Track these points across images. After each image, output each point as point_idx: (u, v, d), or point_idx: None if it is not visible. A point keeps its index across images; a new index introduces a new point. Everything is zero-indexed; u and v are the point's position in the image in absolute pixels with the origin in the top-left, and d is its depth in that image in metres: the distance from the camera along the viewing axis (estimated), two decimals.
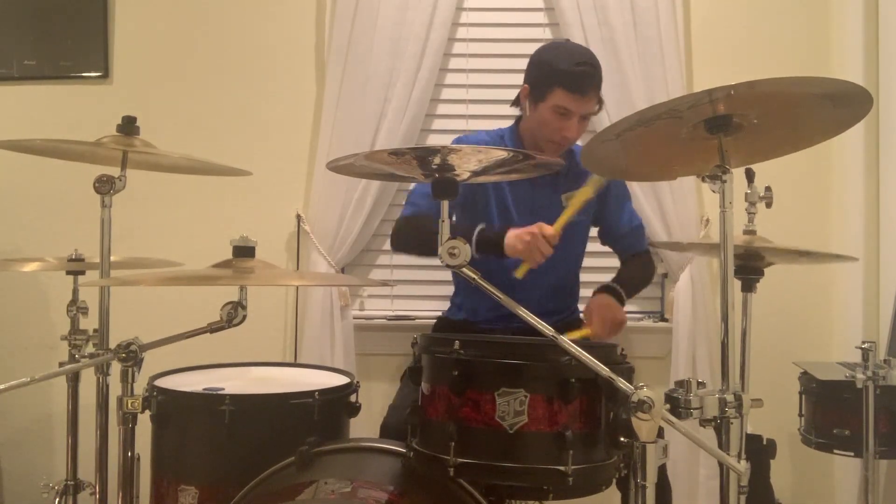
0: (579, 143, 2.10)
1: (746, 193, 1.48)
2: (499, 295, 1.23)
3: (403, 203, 2.71)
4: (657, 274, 2.70)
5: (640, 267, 2.24)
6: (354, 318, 2.67)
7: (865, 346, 1.83)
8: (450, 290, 2.32)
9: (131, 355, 1.49)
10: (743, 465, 1.22)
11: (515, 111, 2.16)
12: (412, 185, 2.17)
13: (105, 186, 1.62)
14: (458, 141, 2.16)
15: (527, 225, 2.02)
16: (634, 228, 2.26)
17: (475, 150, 1.26)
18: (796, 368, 2.20)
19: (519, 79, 2.09)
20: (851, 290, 2.53)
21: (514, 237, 1.84)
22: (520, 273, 1.85)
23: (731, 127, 1.25)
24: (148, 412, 1.56)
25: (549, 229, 1.82)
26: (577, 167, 2.10)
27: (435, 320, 2.34)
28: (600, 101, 2.02)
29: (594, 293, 2.09)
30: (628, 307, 2.26)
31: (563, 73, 1.93)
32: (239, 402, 1.54)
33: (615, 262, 2.31)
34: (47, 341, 2.67)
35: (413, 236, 2.06)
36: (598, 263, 2.44)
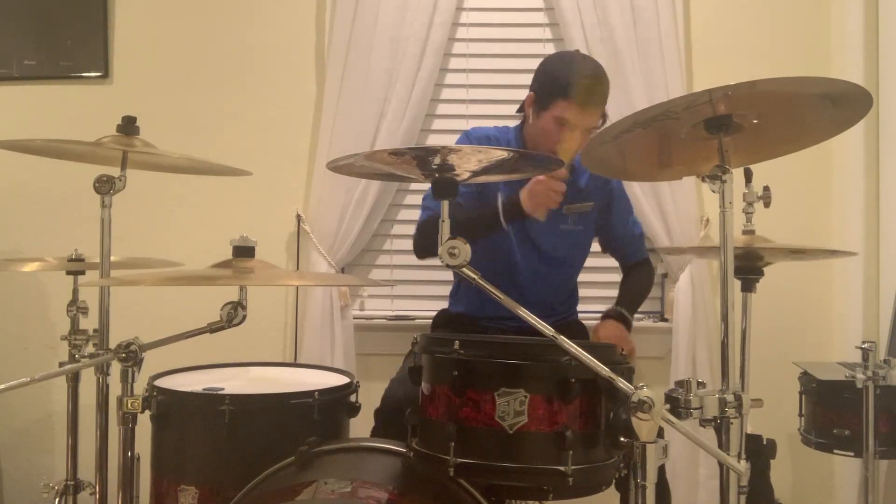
0: None
1: (744, 193, 1.48)
2: (499, 295, 1.24)
3: (404, 203, 2.75)
4: (657, 274, 2.71)
5: (641, 280, 2.26)
6: (354, 318, 2.67)
7: (865, 346, 1.83)
8: (449, 289, 2.32)
9: (131, 355, 1.49)
10: (743, 465, 1.22)
11: (519, 114, 2.15)
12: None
13: (105, 186, 1.62)
14: (465, 135, 2.15)
15: (533, 225, 2.05)
16: (636, 237, 2.27)
17: (475, 150, 1.26)
18: (796, 368, 2.20)
19: (518, 79, 2.10)
20: (851, 289, 2.53)
21: (527, 195, 1.91)
22: (542, 216, 1.92)
23: (731, 127, 1.25)
24: (148, 412, 1.56)
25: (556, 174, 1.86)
26: (578, 177, 2.11)
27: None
28: (604, 116, 2.02)
29: (602, 318, 2.09)
30: None
31: (567, 84, 1.93)
32: (239, 402, 1.53)
33: (614, 261, 2.32)
34: (47, 341, 2.68)
35: (432, 241, 2.06)
36: (599, 263, 2.43)
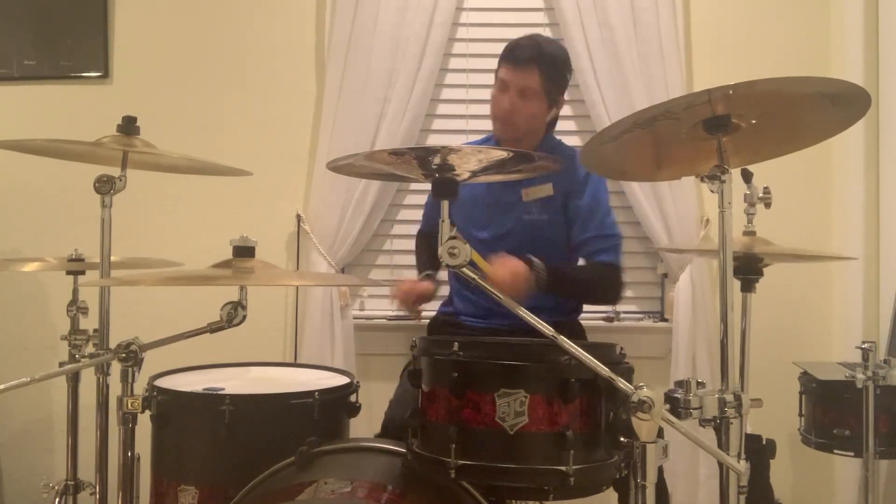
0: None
1: (745, 194, 1.48)
2: (499, 295, 1.24)
3: (404, 203, 2.75)
4: (657, 274, 2.71)
5: (596, 273, 2.02)
6: (354, 318, 2.67)
7: (865, 346, 1.83)
8: (448, 290, 2.31)
9: (131, 355, 1.49)
10: (743, 465, 1.22)
11: None
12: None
13: (105, 186, 1.62)
14: None
15: (481, 221, 2.07)
16: (607, 237, 2.03)
17: (475, 150, 1.26)
18: (796, 368, 2.20)
19: None
20: (851, 290, 2.53)
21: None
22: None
23: (729, 127, 1.25)
24: (148, 412, 1.56)
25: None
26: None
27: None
28: (552, 92, 1.99)
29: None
30: (628, 308, 2.25)
31: (505, 49, 2.02)
32: (239, 402, 1.54)
33: None
34: (47, 341, 2.67)
35: (422, 252, 2.14)
36: None
